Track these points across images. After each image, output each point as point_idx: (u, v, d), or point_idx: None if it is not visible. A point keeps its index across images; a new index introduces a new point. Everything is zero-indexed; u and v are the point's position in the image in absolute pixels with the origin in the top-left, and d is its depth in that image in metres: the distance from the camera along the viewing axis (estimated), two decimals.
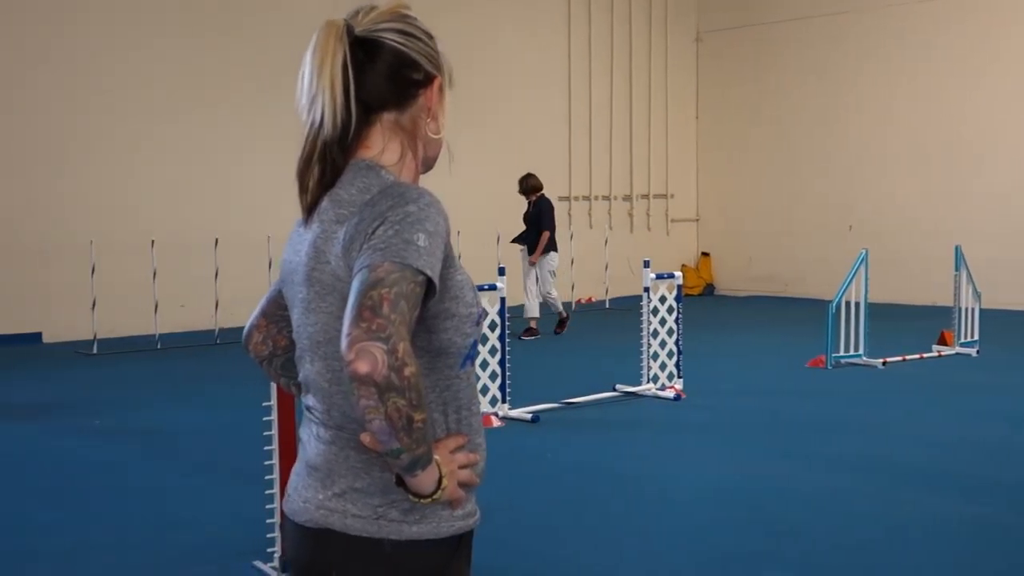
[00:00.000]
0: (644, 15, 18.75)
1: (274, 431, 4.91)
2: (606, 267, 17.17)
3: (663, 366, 9.46)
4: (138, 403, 9.44)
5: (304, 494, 2.02)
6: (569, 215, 17.81)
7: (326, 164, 1.99)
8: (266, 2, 14.60)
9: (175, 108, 13.90)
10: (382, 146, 2.03)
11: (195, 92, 14.02)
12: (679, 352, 9.48)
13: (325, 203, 2.00)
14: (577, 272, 16.85)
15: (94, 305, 12.49)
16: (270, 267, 13.21)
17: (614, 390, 9.44)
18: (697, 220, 19.85)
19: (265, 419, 4.98)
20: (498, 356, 8.48)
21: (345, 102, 1.96)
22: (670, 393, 9.29)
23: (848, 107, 17.64)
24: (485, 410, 8.40)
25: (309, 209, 2.01)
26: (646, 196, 19.03)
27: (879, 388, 9.88)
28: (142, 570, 5.21)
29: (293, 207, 2.09)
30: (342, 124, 1.97)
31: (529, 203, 13.33)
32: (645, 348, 9.38)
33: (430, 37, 2.06)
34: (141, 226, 13.26)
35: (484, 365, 8.44)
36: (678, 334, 9.46)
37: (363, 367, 1.75)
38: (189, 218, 13.87)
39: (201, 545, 5.52)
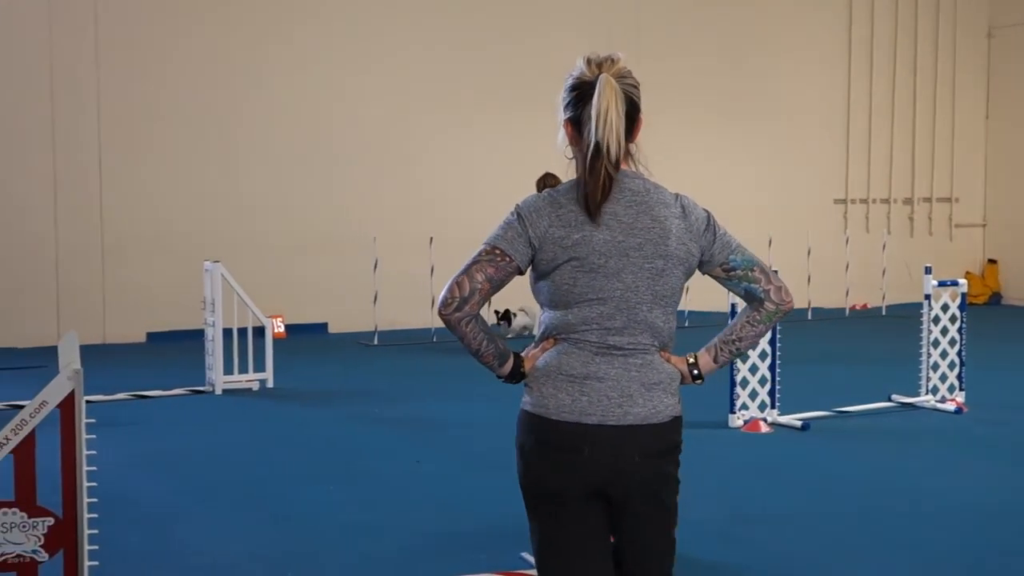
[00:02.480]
0: (931, 10, 17.91)
1: None
2: (883, 272, 16.53)
3: (943, 377, 9.05)
4: (414, 394, 9.84)
5: (652, 403, 2.87)
6: (845, 218, 17.25)
7: (608, 179, 2.81)
8: (535, 7, 14.88)
9: (462, 113, 14.37)
10: (630, 165, 2.92)
11: (476, 98, 14.46)
12: (962, 363, 9.04)
13: (647, 202, 2.85)
14: (852, 277, 16.30)
15: (375, 298, 13.10)
16: None
17: (890, 400, 9.10)
18: (984, 225, 18.80)
19: None
20: (768, 360, 8.34)
21: (622, 137, 2.81)
22: (951, 406, 8.88)
23: None
24: (753, 415, 8.28)
25: (597, 209, 2.81)
26: (928, 199, 18.19)
27: None
28: (417, 553, 5.44)
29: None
30: (619, 151, 2.80)
31: None
32: (924, 358, 8.99)
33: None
34: (420, 224, 13.79)
35: (754, 369, 8.33)
36: (961, 344, 9.03)
37: (793, 304, 2.99)
38: (464, 217, 14.29)
39: (471, 534, 5.72)
